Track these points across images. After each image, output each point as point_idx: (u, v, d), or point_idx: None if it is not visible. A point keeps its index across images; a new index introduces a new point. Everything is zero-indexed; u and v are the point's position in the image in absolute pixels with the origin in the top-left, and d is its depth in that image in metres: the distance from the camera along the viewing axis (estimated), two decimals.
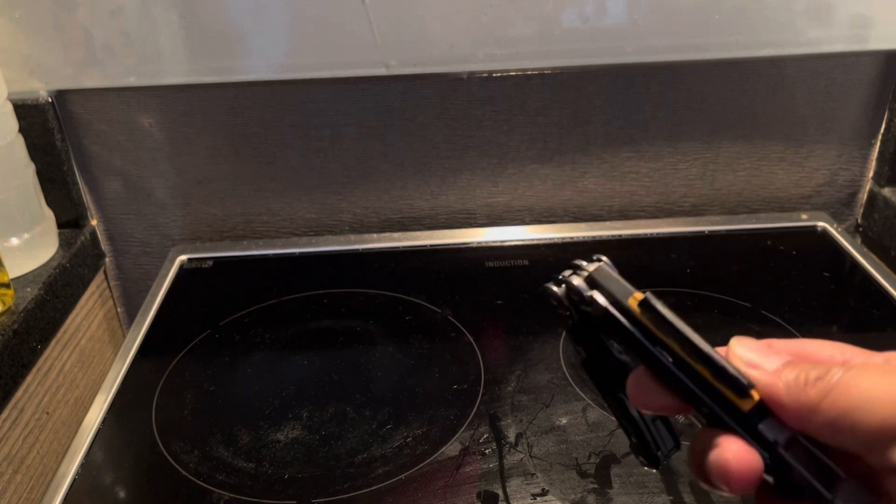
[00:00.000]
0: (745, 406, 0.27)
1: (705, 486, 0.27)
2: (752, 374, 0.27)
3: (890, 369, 0.25)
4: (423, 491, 0.50)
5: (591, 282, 0.30)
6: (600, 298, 0.30)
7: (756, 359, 0.27)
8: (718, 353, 0.27)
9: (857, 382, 0.24)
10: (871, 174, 0.82)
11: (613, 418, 0.35)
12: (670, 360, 0.28)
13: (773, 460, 0.26)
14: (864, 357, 0.28)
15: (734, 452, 0.26)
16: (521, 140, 0.78)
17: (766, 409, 0.26)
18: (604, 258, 0.31)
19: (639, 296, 0.29)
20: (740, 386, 0.26)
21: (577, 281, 0.31)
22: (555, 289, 0.32)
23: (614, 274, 0.30)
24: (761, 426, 0.26)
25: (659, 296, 0.29)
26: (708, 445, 0.27)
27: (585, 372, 0.34)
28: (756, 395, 0.26)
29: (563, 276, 0.31)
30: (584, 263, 0.31)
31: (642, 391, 0.29)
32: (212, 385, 0.61)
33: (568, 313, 0.32)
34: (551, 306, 0.33)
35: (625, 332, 0.29)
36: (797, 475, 0.26)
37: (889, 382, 0.24)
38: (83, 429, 0.57)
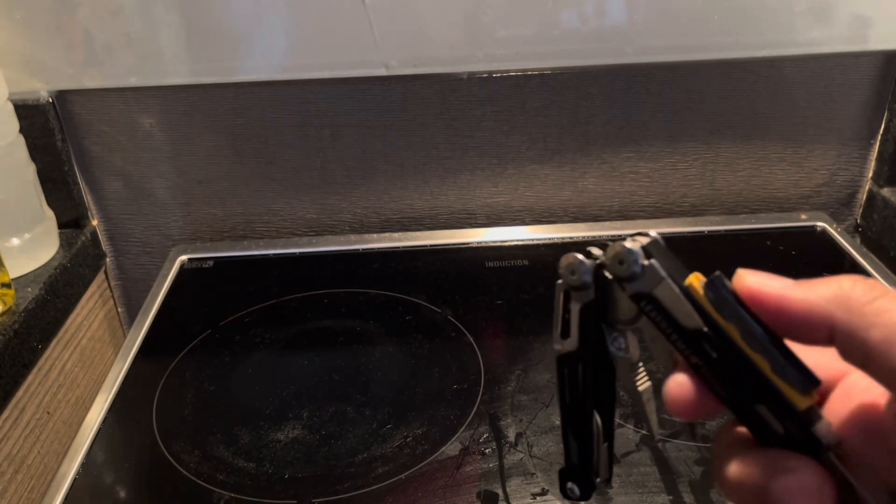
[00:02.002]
0: (802, 404, 0.24)
1: None
2: (792, 288, 0.24)
3: None
4: (423, 491, 0.50)
5: (646, 253, 0.28)
6: (660, 269, 0.27)
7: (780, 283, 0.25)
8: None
9: None
10: (870, 174, 0.82)
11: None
12: (721, 350, 0.26)
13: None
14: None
15: (824, 478, 0.23)
16: (521, 140, 0.78)
17: (818, 412, 0.25)
18: (652, 233, 0.28)
19: (698, 276, 0.27)
20: (809, 379, 0.24)
21: (631, 245, 0.28)
22: (581, 258, 0.29)
23: (668, 252, 0.28)
24: (816, 427, 0.24)
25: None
26: (777, 469, 0.24)
27: (559, 370, 0.31)
28: (816, 395, 0.25)
29: (611, 244, 0.28)
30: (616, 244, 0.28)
31: (682, 391, 0.26)
32: (212, 385, 0.61)
33: (583, 292, 0.29)
34: (562, 281, 0.31)
35: (675, 312, 0.27)
36: (842, 485, 0.24)
37: None
38: (84, 428, 0.57)
